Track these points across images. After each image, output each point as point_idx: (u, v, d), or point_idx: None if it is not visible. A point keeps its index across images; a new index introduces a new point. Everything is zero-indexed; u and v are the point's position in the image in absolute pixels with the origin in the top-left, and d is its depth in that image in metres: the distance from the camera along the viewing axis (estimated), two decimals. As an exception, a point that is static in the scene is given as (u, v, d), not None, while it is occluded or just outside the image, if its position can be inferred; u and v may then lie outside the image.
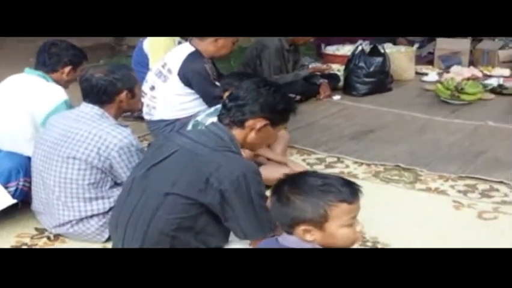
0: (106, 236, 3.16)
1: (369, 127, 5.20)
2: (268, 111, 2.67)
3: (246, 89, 2.73)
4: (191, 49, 4.31)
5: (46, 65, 3.59)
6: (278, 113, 2.71)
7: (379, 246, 3.22)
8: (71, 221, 3.15)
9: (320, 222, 1.97)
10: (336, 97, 6.04)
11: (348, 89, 6.15)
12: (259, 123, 2.66)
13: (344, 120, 5.43)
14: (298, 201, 1.98)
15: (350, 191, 2.00)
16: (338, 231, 1.98)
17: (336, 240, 2.00)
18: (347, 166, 4.36)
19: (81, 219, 3.14)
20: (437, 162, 4.36)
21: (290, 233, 2.03)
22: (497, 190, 3.91)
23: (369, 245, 3.23)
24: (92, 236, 3.19)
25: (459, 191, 3.91)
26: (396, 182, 4.07)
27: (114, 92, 3.13)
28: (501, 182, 4.00)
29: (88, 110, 3.14)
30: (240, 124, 2.66)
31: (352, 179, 3.98)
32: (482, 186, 3.98)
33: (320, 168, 4.30)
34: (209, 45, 4.30)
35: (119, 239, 2.68)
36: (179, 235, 2.54)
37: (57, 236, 3.29)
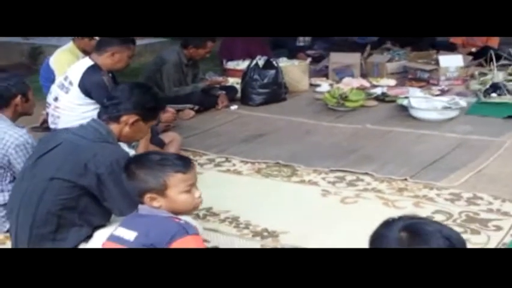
0: (8, 226, 3.55)
1: (259, 132, 5.70)
2: (140, 108, 3.14)
3: (121, 89, 3.22)
4: (90, 63, 4.74)
5: None
6: (148, 110, 3.19)
7: (251, 228, 3.72)
8: (-27, 213, 3.55)
9: (161, 190, 2.45)
10: (234, 107, 6.55)
11: (244, 100, 6.65)
12: (132, 118, 3.12)
13: (238, 127, 5.92)
14: (141, 174, 2.48)
15: (183, 163, 2.51)
16: (178, 196, 2.48)
17: (178, 204, 2.49)
18: (234, 165, 4.85)
19: (-18, 211, 3.54)
20: (314, 159, 4.88)
21: (142, 202, 2.51)
22: (362, 180, 4.46)
23: (242, 226, 3.74)
24: (-6, 227, 3.59)
25: (329, 182, 4.44)
26: (275, 176, 4.59)
27: (9, 97, 3.57)
28: (366, 173, 4.55)
29: (-13, 113, 3.57)
30: (116, 119, 3.11)
31: (236, 176, 4.57)
32: (349, 177, 4.51)
33: (209, 167, 4.80)
34: (106, 59, 4.74)
35: (13, 221, 3.09)
36: (64, 214, 2.96)
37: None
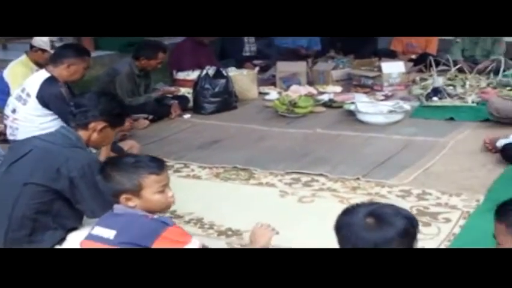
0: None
1: (214, 139, 5.86)
2: (107, 115, 3.27)
3: (88, 98, 3.34)
4: (47, 75, 4.82)
5: None
6: (115, 116, 3.32)
7: (215, 228, 3.87)
8: None
9: (136, 191, 2.59)
10: (187, 116, 6.69)
11: (197, 109, 6.80)
12: (100, 125, 3.24)
13: (193, 135, 6.06)
14: (117, 176, 2.61)
15: (157, 165, 2.65)
16: (152, 197, 2.62)
17: (152, 204, 2.63)
18: (193, 170, 4.99)
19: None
20: (270, 163, 5.05)
21: (117, 202, 2.64)
22: (317, 181, 4.65)
23: (206, 227, 3.89)
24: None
25: (285, 183, 4.63)
26: (234, 180, 4.75)
27: None
28: (320, 175, 4.75)
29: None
30: (84, 126, 3.23)
31: (196, 180, 4.69)
32: (305, 178, 4.70)
33: (169, 173, 4.89)
34: (63, 71, 4.83)
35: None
36: (39, 218, 3.06)
37: None
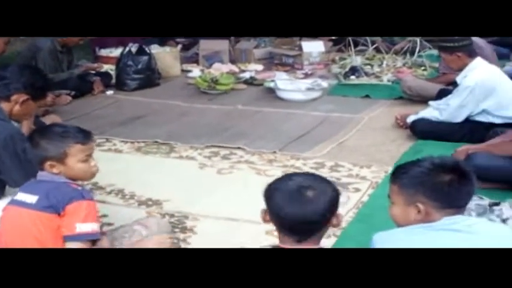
0: None
1: (137, 115, 5.95)
2: (30, 87, 3.35)
3: (10, 70, 3.40)
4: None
5: None
6: (38, 89, 3.40)
7: (136, 198, 4.01)
8: None
9: (61, 159, 2.68)
10: (110, 92, 6.76)
11: (119, 85, 6.87)
12: (22, 97, 3.32)
13: (116, 111, 6.15)
14: (44, 143, 2.70)
15: (83, 135, 2.76)
16: (76, 165, 2.71)
17: (76, 172, 2.73)
18: (115, 144, 5.09)
19: None
20: (190, 137, 5.20)
21: (42, 169, 2.74)
22: (235, 154, 4.83)
23: (127, 197, 4.03)
24: None
25: (205, 156, 4.79)
26: (155, 153, 4.89)
27: None
28: (239, 148, 4.93)
29: None
30: (7, 98, 3.30)
31: (117, 154, 4.79)
32: (224, 152, 4.87)
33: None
34: (-17, 46, 4.86)
35: None
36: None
37: None
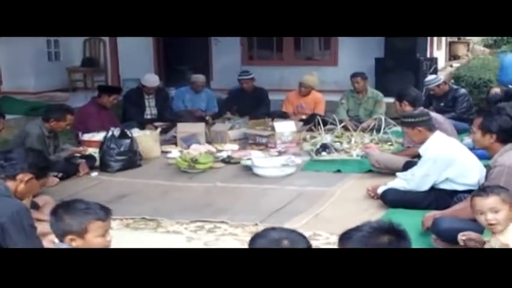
0: None
1: (121, 194, 6.26)
2: (34, 167, 3.69)
3: (17, 152, 3.74)
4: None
5: None
6: (41, 169, 3.74)
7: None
8: None
9: (81, 234, 2.94)
10: (94, 174, 7.07)
11: (103, 167, 7.18)
12: (27, 176, 3.65)
13: (101, 190, 6.43)
14: (67, 219, 2.95)
15: (104, 212, 3.02)
16: (94, 240, 2.96)
17: (93, 246, 2.95)
18: (103, 222, 5.36)
19: None
20: (175, 213, 5.50)
21: (62, 241, 2.99)
22: (220, 228, 5.14)
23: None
24: None
25: (191, 231, 5.09)
26: (143, 229, 5.17)
27: None
28: (222, 222, 5.25)
29: None
30: (13, 177, 3.63)
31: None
32: (208, 226, 5.18)
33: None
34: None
35: None
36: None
37: None
